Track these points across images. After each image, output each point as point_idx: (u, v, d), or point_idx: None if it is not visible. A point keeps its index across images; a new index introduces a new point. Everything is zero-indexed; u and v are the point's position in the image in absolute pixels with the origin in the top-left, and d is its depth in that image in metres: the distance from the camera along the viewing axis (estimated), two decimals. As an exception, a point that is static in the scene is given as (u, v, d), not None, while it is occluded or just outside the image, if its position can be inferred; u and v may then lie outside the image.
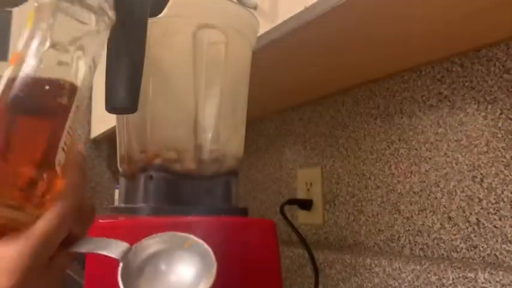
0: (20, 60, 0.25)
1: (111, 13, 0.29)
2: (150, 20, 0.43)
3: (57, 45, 0.26)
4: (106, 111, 0.41)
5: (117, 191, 1.30)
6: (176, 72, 0.50)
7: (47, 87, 0.25)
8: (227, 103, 0.52)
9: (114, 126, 0.56)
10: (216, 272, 0.29)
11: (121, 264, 0.28)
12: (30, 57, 0.25)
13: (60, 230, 0.26)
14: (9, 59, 0.26)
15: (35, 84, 0.25)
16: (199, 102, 0.50)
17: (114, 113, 0.46)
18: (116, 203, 1.25)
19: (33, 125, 0.25)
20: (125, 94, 0.39)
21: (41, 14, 0.26)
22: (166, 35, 0.49)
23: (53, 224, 0.26)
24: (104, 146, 1.46)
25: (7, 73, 0.25)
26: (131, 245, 0.29)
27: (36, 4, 0.27)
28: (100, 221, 0.43)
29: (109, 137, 1.32)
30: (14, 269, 0.24)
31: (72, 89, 0.27)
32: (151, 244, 0.30)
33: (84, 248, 0.29)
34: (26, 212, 0.25)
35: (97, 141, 1.44)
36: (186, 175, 0.48)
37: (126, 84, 0.39)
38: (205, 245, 0.30)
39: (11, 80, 0.25)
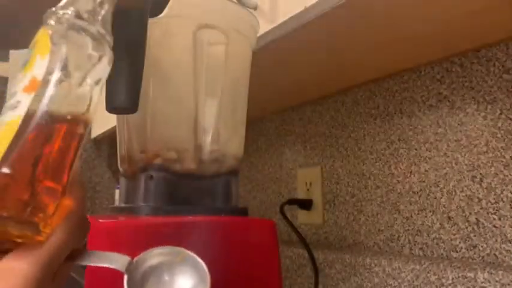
0: (41, 91, 0.26)
1: (109, 38, 0.30)
2: (150, 21, 0.43)
3: (73, 76, 0.27)
4: (106, 112, 0.41)
5: (117, 191, 1.30)
6: (176, 72, 0.50)
7: (66, 126, 0.26)
8: (227, 103, 0.52)
9: (115, 126, 0.56)
10: (210, 285, 0.31)
11: (126, 277, 0.29)
12: (50, 88, 0.26)
13: (69, 245, 0.28)
14: (25, 85, 0.26)
15: (56, 120, 0.26)
16: (200, 102, 0.50)
17: (115, 113, 0.46)
18: (116, 203, 1.25)
19: (54, 152, 0.26)
20: (125, 94, 0.39)
21: (57, 43, 0.27)
22: (166, 36, 0.49)
23: (63, 239, 0.27)
24: (104, 146, 1.46)
25: (26, 102, 0.25)
26: (132, 253, 0.31)
27: (50, 32, 0.27)
28: (100, 220, 0.43)
29: (109, 137, 1.32)
30: (26, 283, 0.25)
31: (88, 121, 0.28)
32: (151, 257, 0.31)
33: (88, 261, 0.30)
34: (37, 228, 0.26)
35: (97, 141, 1.44)
36: (186, 175, 0.49)
37: (126, 85, 0.39)
38: (198, 258, 0.32)
39: (33, 111, 0.25)
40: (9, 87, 0.28)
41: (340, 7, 0.50)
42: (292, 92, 0.91)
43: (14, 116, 0.25)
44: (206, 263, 0.31)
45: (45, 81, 0.26)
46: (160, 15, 0.47)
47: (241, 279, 0.47)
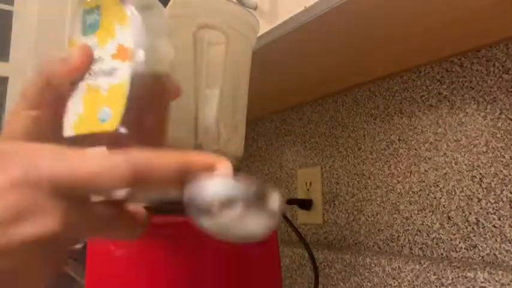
0: (137, 58, 0.26)
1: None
2: (151, 21, 0.43)
3: (153, 40, 0.28)
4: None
5: (117, 191, 1.30)
6: (176, 72, 0.50)
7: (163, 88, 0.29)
8: (227, 103, 0.52)
9: (115, 126, 0.56)
10: None
11: None
12: (143, 54, 0.27)
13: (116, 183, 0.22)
14: (113, 53, 0.27)
15: (159, 82, 0.28)
16: (199, 102, 0.50)
17: (115, 113, 0.46)
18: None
19: (161, 113, 0.29)
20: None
21: (132, 10, 0.27)
22: (166, 35, 0.49)
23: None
24: (104, 145, 1.46)
25: (125, 68, 0.26)
26: None
27: None
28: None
29: (109, 137, 1.32)
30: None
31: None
32: None
33: None
34: None
35: (97, 141, 1.44)
36: (186, 175, 0.48)
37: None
38: None
39: (136, 76, 0.26)
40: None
41: (340, 7, 0.50)
42: (292, 92, 0.91)
43: (117, 81, 0.26)
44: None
45: (137, 49, 0.27)
46: (161, 15, 0.47)
47: (241, 279, 0.47)
